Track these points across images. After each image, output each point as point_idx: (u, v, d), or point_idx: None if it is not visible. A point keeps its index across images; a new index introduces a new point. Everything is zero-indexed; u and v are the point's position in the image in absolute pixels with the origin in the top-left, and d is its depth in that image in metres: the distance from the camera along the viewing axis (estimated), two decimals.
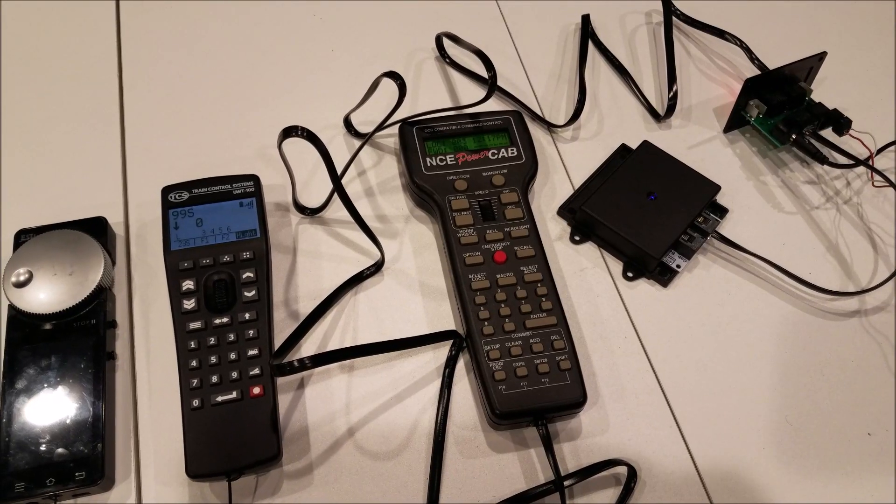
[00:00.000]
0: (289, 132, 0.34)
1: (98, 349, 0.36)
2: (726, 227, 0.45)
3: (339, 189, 0.38)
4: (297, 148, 0.46)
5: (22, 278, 0.36)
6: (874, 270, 0.44)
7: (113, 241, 0.41)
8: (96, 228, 0.40)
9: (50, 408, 0.35)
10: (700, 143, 0.49)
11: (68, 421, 0.35)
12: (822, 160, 0.45)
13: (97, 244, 0.39)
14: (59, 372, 0.36)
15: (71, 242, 0.39)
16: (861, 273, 0.44)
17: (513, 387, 0.36)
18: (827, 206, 0.46)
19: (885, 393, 0.40)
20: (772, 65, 0.50)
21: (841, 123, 0.46)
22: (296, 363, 0.32)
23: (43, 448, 0.34)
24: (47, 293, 0.37)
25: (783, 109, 0.47)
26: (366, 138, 0.44)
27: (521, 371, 0.37)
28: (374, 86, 0.42)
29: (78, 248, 0.38)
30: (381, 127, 0.45)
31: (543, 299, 0.39)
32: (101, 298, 0.38)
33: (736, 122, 0.48)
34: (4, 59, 0.49)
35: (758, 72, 0.51)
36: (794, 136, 0.45)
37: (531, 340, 0.38)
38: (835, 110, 0.46)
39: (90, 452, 0.34)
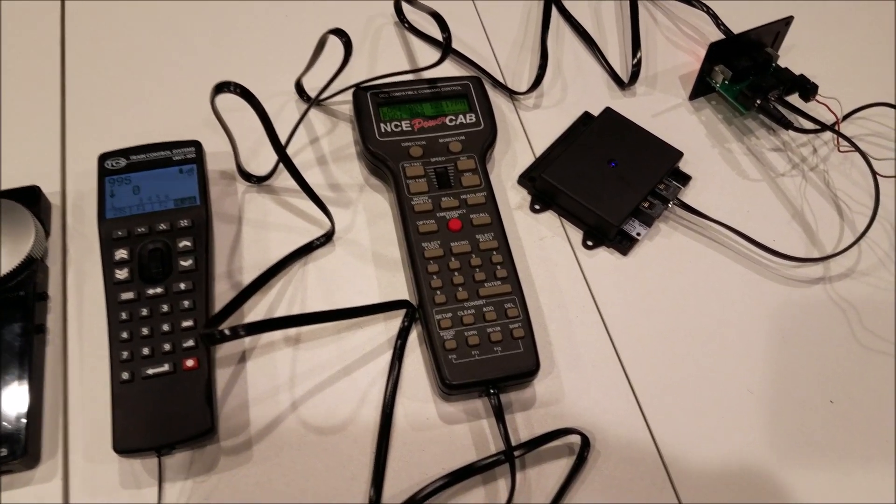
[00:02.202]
0: (221, 88, 0.32)
1: (26, 322, 0.34)
2: (689, 195, 0.44)
3: (280, 152, 0.36)
4: (247, 114, 0.44)
5: None
6: (839, 237, 0.43)
7: (47, 211, 0.39)
8: (30, 197, 0.38)
9: None
10: (665, 111, 0.47)
11: None
12: (787, 125, 0.44)
13: (28, 214, 0.37)
14: None
15: (5, 211, 0.37)
16: (826, 240, 0.43)
17: (464, 356, 0.35)
18: (793, 172, 0.45)
19: (848, 361, 0.39)
20: (739, 30, 0.49)
21: (807, 89, 0.45)
22: (227, 331, 0.30)
23: None
24: None
25: (749, 75, 0.46)
26: (311, 102, 0.42)
27: (472, 340, 0.35)
28: (321, 45, 0.40)
29: (8, 218, 0.36)
30: (325, 89, 0.42)
31: (498, 267, 0.38)
32: (31, 270, 0.36)
33: (701, 88, 0.47)
34: None
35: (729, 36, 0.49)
36: (758, 102, 0.44)
37: (484, 309, 0.36)
38: (801, 76, 0.45)
39: (13, 428, 0.32)
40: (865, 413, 0.37)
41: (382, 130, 0.41)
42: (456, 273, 0.37)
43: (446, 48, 0.42)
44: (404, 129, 0.42)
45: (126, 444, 0.32)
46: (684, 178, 0.44)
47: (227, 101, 0.45)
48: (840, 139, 0.44)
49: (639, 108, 0.47)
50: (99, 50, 0.46)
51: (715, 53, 0.44)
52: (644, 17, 0.52)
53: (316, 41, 0.41)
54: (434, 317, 0.36)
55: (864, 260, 0.42)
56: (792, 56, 0.50)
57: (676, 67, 0.49)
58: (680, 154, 0.43)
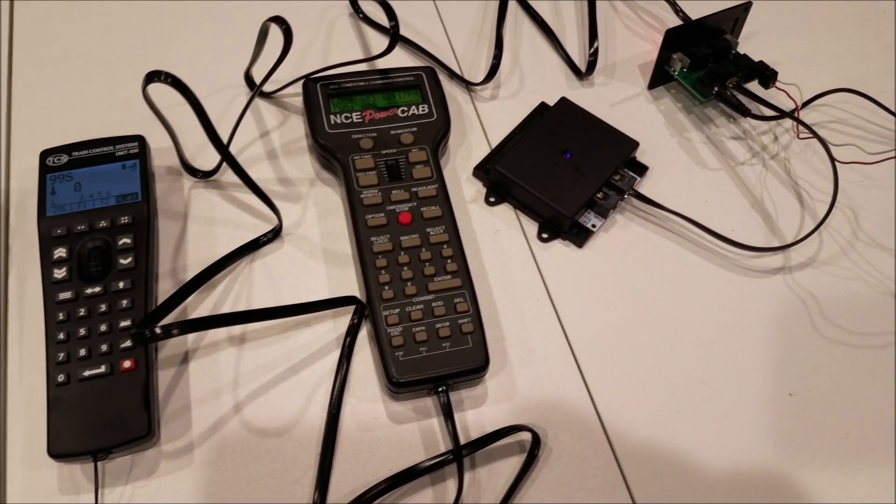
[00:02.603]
0: (152, 77, 0.31)
1: None
2: (646, 185, 0.43)
3: (219, 147, 0.35)
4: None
5: None
6: (800, 225, 0.42)
7: None
8: None
9: None
10: (623, 101, 0.46)
11: None
12: (745, 113, 0.43)
13: None
14: None
15: None
16: (786, 229, 0.42)
17: (411, 353, 0.34)
18: (753, 161, 0.44)
19: (807, 352, 0.38)
20: (698, 17, 0.48)
21: (766, 76, 0.44)
22: (158, 330, 0.29)
23: None
24: None
25: (708, 63, 0.45)
26: (253, 94, 0.41)
27: (420, 336, 0.35)
28: (263, 34, 0.39)
29: None
30: (266, 80, 0.41)
31: (449, 261, 0.37)
32: None
33: (660, 77, 0.46)
34: None
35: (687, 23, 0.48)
36: (716, 89, 0.43)
37: (433, 304, 0.36)
38: (760, 62, 0.45)
39: None
40: (825, 406, 0.36)
41: (332, 122, 0.40)
42: (405, 268, 0.36)
43: (394, 37, 0.41)
44: (355, 120, 0.41)
45: (61, 448, 0.31)
46: (641, 169, 0.43)
47: (175, 94, 0.44)
48: (799, 126, 0.43)
49: (597, 98, 0.46)
50: (47, 46, 0.45)
51: (672, 41, 0.44)
52: (604, 5, 0.51)
53: (271, 31, 0.40)
54: (381, 313, 0.35)
55: (825, 249, 0.42)
56: (754, 42, 0.49)
57: (636, 56, 0.48)
58: (636, 144, 0.42)
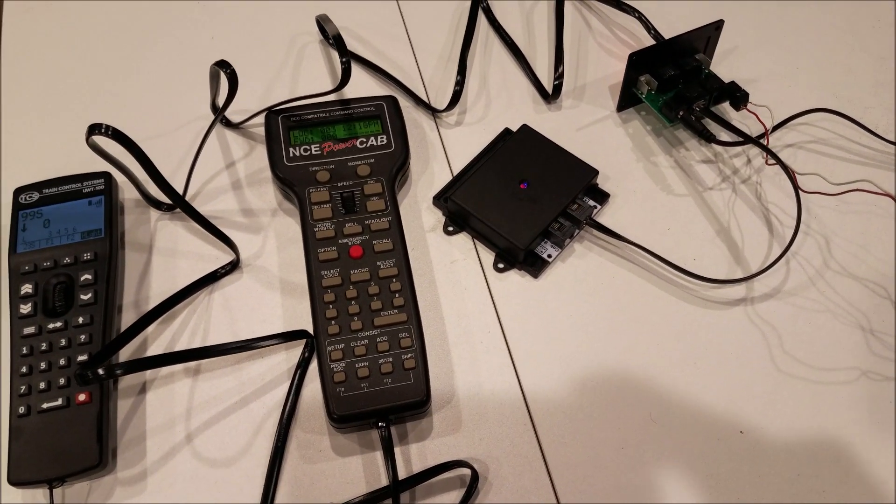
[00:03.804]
0: (93, 129, 0.32)
1: None
2: (607, 213, 0.42)
3: (166, 190, 0.36)
4: (166, 139, 0.45)
5: None
6: (767, 254, 0.41)
7: None
8: None
9: None
10: (591, 124, 0.46)
11: None
12: (710, 138, 0.42)
13: None
14: None
15: None
16: (752, 257, 0.41)
17: (352, 388, 0.35)
18: (722, 186, 0.43)
19: (763, 387, 0.37)
20: (673, 36, 0.47)
21: (737, 97, 0.43)
22: (101, 371, 0.31)
23: None
24: None
25: (677, 84, 0.44)
26: (205, 134, 0.41)
27: (362, 372, 0.35)
28: (213, 75, 0.40)
29: None
30: (220, 115, 0.42)
31: (396, 295, 0.37)
32: None
33: (628, 100, 0.45)
34: None
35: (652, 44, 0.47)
36: (681, 113, 0.42)
37: (378, 339, 0.36)
38: (732, 83, 0.43)
39: None
40: (777, 445, 0.36)
41: (291, 155, 0.41)
42: (352, 302, 0.37)
43: (345, 72, 0.42)
44: (313, 152, 0.41)
45: (19, 476, 0.33)
46: (603, 196, 0.42)
47: (146, 127, 0.46)
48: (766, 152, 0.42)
49: (564, 122, 0.46)
50: (32, 83, 0.47)
51: (638, 63, 0.43)
52: (577, 22, 0.50)
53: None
54: (326, 348, 0.36)
55: (791, 278, 0.40)
56: (731, 60, 0.48)
57: (607, 77, 0.48)
58: (595, 172, 0.41)
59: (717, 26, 0.44)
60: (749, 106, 0.43)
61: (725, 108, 0.46)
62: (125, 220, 0.42)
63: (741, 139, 0.42)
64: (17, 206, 0.39)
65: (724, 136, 0.44)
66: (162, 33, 0.49)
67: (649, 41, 0.49)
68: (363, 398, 0.35)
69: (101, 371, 0.31)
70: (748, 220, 0.42)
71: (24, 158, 0.44)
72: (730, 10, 0.50)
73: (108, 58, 0.48)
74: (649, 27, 0.48)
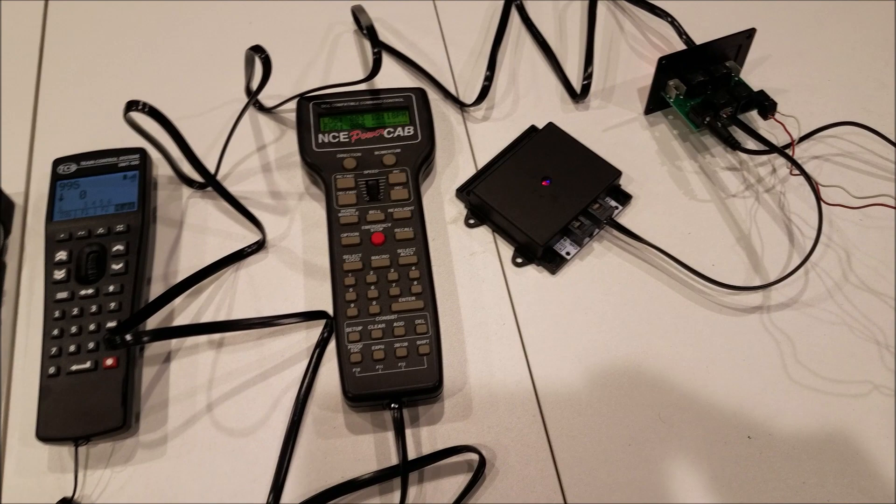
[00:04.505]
0: (131, 106, 0.34)
1: None
2: (629, 214, 0.43)
3: (198, 167, 0.37)
4: (202, 118, 0.46)
5: None
6: (786, 264, 0.41)
7: (9, 211, 0.42)
8: None
9: None
10: (617, 125, 0.46)
11: None
12: (735, 146, 0.42)
13: None
14: None
15: None
16: (771, 267, 0.41)
17: (368, 370, 0.36)
18: (745, 193, 0.44)
19: (774, 395, 0.37)
20: (704, 41, 0.47)
21: (765, 106, 0.43)
22: (129, 337, 0.32)
23: None
24: None
25: (706, 90, 0.44)
26: (239, 115, 0.42)
27: (378, 354, 0.36)
28: (248, 60, 0.41)
29: None
30: (253, 98, 0.43)
31: (415, 283, 0.38)
32: None
33: (656, 103, 0.46)
34: None
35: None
36: (707, 119, 0.42)
37: (395, 324, 0.37)
38: (760, 92, 0.43)
39: None
40: (784, 452, 0.36)
41: (320, 141, 0.42)
42: (372, 287, 0.38)
43: (376, 63, 0.43)
44: (342, 140, 0.42)
45: (47, 432, 0.35)
46: (625, 197, 0.43)
47: (182, 107, 0.47)
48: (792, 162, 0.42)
49: (590, 122, 0.46)
50: (75, 60, 0.49)
51: (667, 67, 0.43)
52: (609, 23, 0.50)
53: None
54: (344, 329, 0.37)
55: (809, 290, 0.41)
56: (762, 69, 0.48)
57: (636, 79, 0.48)
58: (618, 173, 0.42)
59: (749, 34, 0.44)
60: (777, 116, 0.43)
61: (753, 117, 0.46)
62: (158, 195, 0.43)
63: (767, 148, 0.42)
64: (56, 177, 0.41)
65: (750, 144, 0.44)
66: (201, 15, 0.51)
67: (680, 46, 0.49)
68: (378, 380, 0.36)
69: (128, 337, 0.32)
70: (769, 228, 0.42)
71: (60, 130, 0.46)
72: (763, 20, 0.50)
73: (147, 37, 0.50)
74: (681, 32, 0.48)
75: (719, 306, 0.40)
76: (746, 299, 0.40)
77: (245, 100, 0.47)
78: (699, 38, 0.48)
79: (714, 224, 0.43)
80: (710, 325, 0.39)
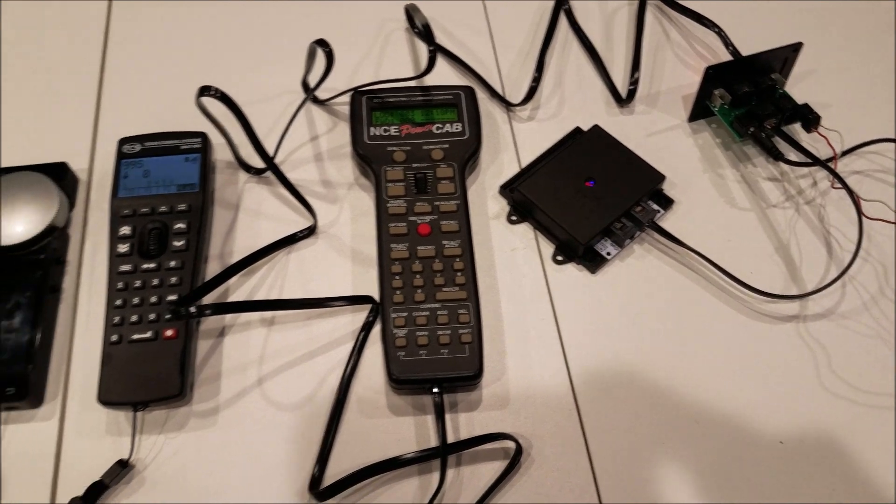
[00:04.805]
0: (204, 91, 0.36)
1: (42, 282, 0.40)
2: (670, 219, 0.44)
3: (261, 153, 0.39)
4: (260, 106, 0.48)
5: None
6: (823, 275, 0.42)
7: (74, 185, 0.45)
8: (58, 172, 0.43)
9: None
10: (661, 131, 0.47)
11: (5, 342, 0.38)
12: (778, 156, 0.43)
13: (55, 187, 0.42)
14: (3, 300, 0.39)
15: (33, 183, 0.42)
16: (809, 277, 0.42)
17: (411, 354, 0.37)
18: (786, 204, 0.44)
19: (807, 403, 0.38)
20: (750, 52, 0.48)
21: (809, 119, 0.44)
22: (193, 309, 0.34)
23: None
24: (4, 227, 0.40)
25: (750, 101, 0.45)
26: (300, 105, 0.45)
27: (422, 340, 0.38)
28: (311, 53, 0.43)
29: (37, 189, 0.42)
30: (314, 91, 0.45)
31: (458, 274, 0.40)
32: (52, 237, 0.41)
33: (700, 111, 0.46)
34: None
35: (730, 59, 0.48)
36: (752, 129, 0.43)
37: (438, 312, 0.39)
38: (805, 105, 0.44)
39: (22, 372, 0.37)
40: (814, 458, 0.37)
41: (371, 134, 0.44)
42: (417, 276, 0.39)
43: (431, 60, 0.44)
44: (392, 133, 0.44)
45: (107, 396, 0.37)
46: (667, 202, 0.44)
47: (239, 95, 0.49)
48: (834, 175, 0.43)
49: (634, 127, 0.47)
50: (138, 44, 0.51)
51: (713, 77, 0.44)
52: (656, 32, 0.51)
53: (331, 43, 0.44)
54: (390, 315, 0.38)
55: (846, 302, 0.41)
56: (807, 83, 0.48)
57: (681, 87, 0.49)
58: (661, 177, 0.43)
59: (795, 48, 0.45)
60: (820, 129, 0.44)
61: (796, 129, 0.46)
62: (216, 178, 0.45)
63: (809, 161, 0.42)
64: (121, 155, 0.43)
65: (793, 155, 0.45)
66: (260, 8, 0.53)
67: (726, 56, 0.50)
68: (421, 364, 0.37)
69: (192, 309, 0.34)
70: (808, 240, 0.43)
71: (123, 112, 0.48)
72: (810, 34, 0.50)
73: (208, 27, 0.52)
74: (728, 43, 0.49)
75: (756, 313, 0.41)
76: (783, 308, 0.41)
77: (298, 91, 0.48)
78: (744, 50, 0.49)
79: (754, 233, 0.43)
80: (747, 332, 0.40)
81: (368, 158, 0.43)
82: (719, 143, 0.47)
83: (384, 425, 0.38)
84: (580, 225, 0.41)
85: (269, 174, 0.45)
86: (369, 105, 0.45)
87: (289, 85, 0.49)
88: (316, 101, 0.48)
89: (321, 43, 0.41)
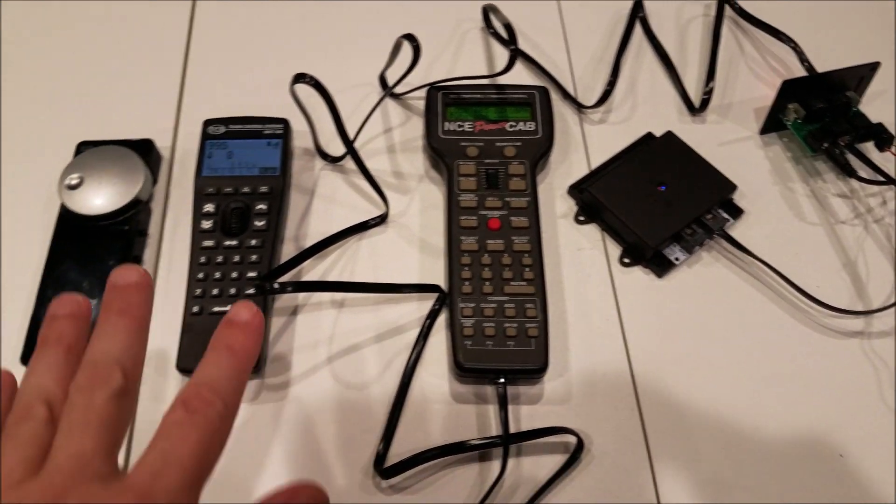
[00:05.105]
0: (299, 78, 0.37)
1: (125, 252, 0.42)
2: (738, 228, 0.44)
3: (346, 142, 0.41)
4: (335, 98, 0.49)
5: (74, 182, 0.42)
6: (890, 294, 0.42)
7: (158, 162, 0.46)
8: (144, 148, 0.45)
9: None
10: (732, 142, 0.47)
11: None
12: (851, 173, 0.43)
13: (141, 162, 0.44)
14: (89, 267, 0.41)
15: (121, 158, 0.44)
16: (875, 295, 0.42)
17: (478, 344, 0.38)
18: (854, 221, 0.44)
19: (868, 417, 0.38)
20: (825, 68, 0.48)
21: (882, 139, 0.44)
22: (276, 285, 0.35)
23: None
24: (92, 198, 0.42)
25: (824, 117, 0.45)
26: (382, 96, 0.46)
27: (489, 331, 0.39)
28: (396, 47, 0.44)
29: (125, 164, 0.44)
30: (396, 85, 0.46)
31: (527, 269, 0.40)
32: (137, 209, 0.43)
33: (773, 124, 0.47)
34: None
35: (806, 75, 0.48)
36: (826, 145, 0.43)
37: (506, 305, 0.39)
38: (879, 124, 0.44)
39: None
40: (874, 472, 0.37)
41: (446, 129, 0.45)
42: (486, 268, 0.40)
43: (512, 58, 0.45)
44: (466, 129, 0.45)
45: (187, 364, 0.38)
46: (737, 211, 0.44)
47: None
48: None
49: (706, 136, 0.47)
50: (222, 29, 0.53)
51: (789, 91, 0.44)
52: (730, 44, 0.52)
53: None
54: (458, 304, 0.39)
55: None
56: (880, 102, 0.48)
57: (753, 99, 0.49)
58: (733, 187, 0.43)
59: (873, 67, 0.44)
60: (893, 149, 0.44)
61: (868, 148, 0.46)
62: (293, 164, 0.47)
63: (882, 179, 0.42)
64: (206, 136, 0.45)
65: (863, 173, 0.44)
66: (344, 6, 0.54)
67: (798, 71, 0.50)
68: (487, 355, 0.38)
69: (276, 285, 0.36)
70: (876, 258, 0.43)
71: (205, 94, 0.50)
72: (884, 55, 0.50)
73: (288, 17, 0.53)
74: (803, 58, 0.49)
75: (821, 327, 0.41)
76: (848, 323, 0.41)
77: (373, 84, 0.50)
78: (818, 66, 0.49)
79: (821, 247, 0.43)
80: (811, 344, 0.40)
81: (442, 152, 0.44)
82: (790, 157, 0.47)
83: (446, 411, 0.39)
84: (651, 228, 0.41)
85: (343, 163, 0.47)
86: (445, 101, 0.46)
87: (364, 77, 0.50)
88: (392, 94, 0.49)
89: (409, 37, 0.42)
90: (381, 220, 0.44)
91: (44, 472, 0.21)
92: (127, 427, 0.23)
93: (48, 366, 0.24)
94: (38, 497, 0.20)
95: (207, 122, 0.45)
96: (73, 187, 0.42)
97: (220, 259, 0.41)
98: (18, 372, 0.24)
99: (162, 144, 0.47)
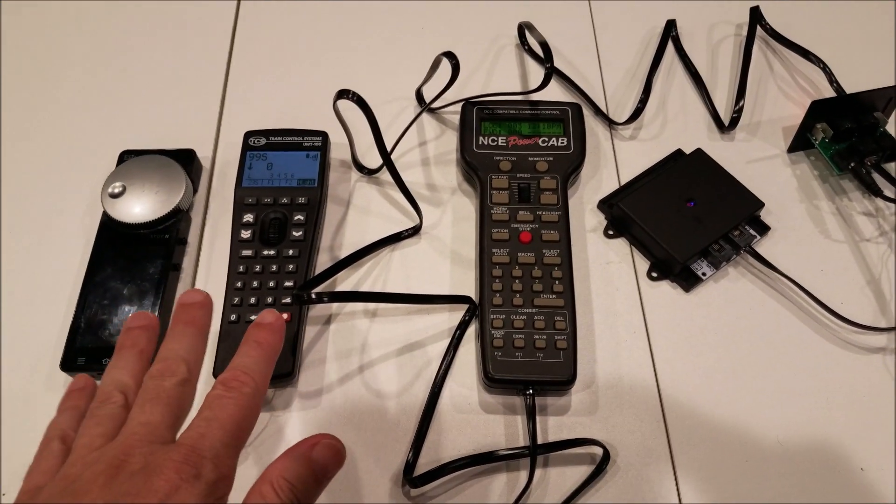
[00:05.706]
0: (342, 94, 0.38)
1: (165, 260, 0.43)
2: (765, 245, 0.45)
3: (384, 155, 0.42)
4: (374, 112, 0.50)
5: (116, 190, 0.44)
6: None
7: (199, 172, 0.48)
8: (186, 158, 0.47)
9: (116, 301, 0.42)
10: (760, 159, 0.48)
11: (128, 314, 0.41)
12: (877, 192, 0.43)
13: (182, 172, 0.45)
14: (130, 273, 0.42)
15: (162, 167, 0.46)
16: None
17: (508, 355, 0.39)
18: (879, 240, 0.45)
19: (889, 432, 0.39)
20: (854, 89, 0.48)
21: None
22: (313, 295, 0.37)
23: (105, 333, 0.41)
24: (134, 206, 0.44)
25: (851, 136, 0.45)
26: (420, 111, 0.47)
27: (518, 343, 0.40)
28: (436, 63, 0.45)
29: (167, 173, 0.45)
30: (434, 100, 0.48)
31: (556, 282, 0.41)
32: (177, 218, 0.45)
33: (800, 143, 0.47)
34: (136, 8, 0.57)
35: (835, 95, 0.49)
36: (852, 164, 0.44)
37: (535, 317, 0.40)
38: None
39: None
40: (895, 485, 0.37)
41: (480, 143, 0.46)
42: (517, 281, 0.41)
43: (547, 76, 0.46)
44: (499, 144, 0.46)
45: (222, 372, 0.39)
46: (763, 228, 0.45)
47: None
48: None
49: (735, 153, 0.48)
50: (262, 43, 0.55)
51: (817, 111, 0.45)
52: (760, 63, 0.52)
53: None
54: (489, 315, 0.40)
55: None
56: None
57: (782, 118, 0.50)
58: (760, 204, 0.44)
59: None
60: None
61: (894, 168, 0.47)
62: (330, 175, 0.48)
63: None
64: (247, 147, 0.46)
65: (889, 192, 0.45)
66: (378, 17, 0.55)
67: (827, 91, 0.50)
68: (516, 366, 0.39)
69: (313, 295, 0.37)
70: None
71: (244, 107, 0.51)
72: None
73: (327, 33, 0.55)
74: (832, 79, 0.49)
75: (844, 343, 0.41)
76: (871, 339, 0.41)
77: (409, 98, 0.51)
78: (847, 87, 0.49)
79: (846, 264, 0.44)
80: (834, 360, 0.41)
81: (475, 166, 0.45)
82: (816, 175, 0.47)
83: (474, 420, 0.40)
84: (679, 244, 0.42)
85: (378, 176, 0.48)
86: (479, 115, 0.47)
87: (400, 91, 0.51)
88: (421, 110, 0.51)
89: (448, 55, 0.43)
90: (415, 231, 0.45)
91: (118, 437, 0.26)
92: (188, 410, 0.28)
93: (124, 364, 0.29)
94: (111, 454, 0.25)
95: (248, 134, 0.47)
96: (115, 196, 0.44)
97: (257, 268, 0.42)
98: (60, 379, 0.26)
99: (203, 154, 0.49)
